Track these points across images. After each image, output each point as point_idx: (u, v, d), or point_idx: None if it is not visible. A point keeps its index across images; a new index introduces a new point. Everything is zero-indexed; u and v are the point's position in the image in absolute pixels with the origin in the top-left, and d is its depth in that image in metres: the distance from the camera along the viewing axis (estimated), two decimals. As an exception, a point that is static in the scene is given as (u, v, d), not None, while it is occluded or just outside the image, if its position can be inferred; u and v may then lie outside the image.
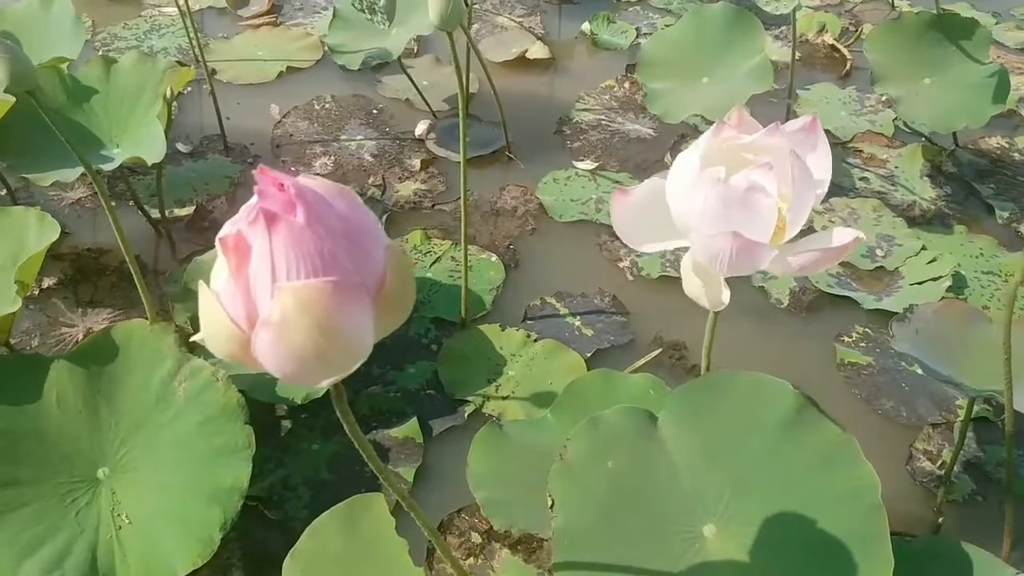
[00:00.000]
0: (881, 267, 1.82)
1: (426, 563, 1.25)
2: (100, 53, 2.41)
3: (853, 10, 2.84)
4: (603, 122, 2.28)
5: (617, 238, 1.83)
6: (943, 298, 1.67)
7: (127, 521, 1.16)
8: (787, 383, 1.02)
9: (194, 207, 1.92)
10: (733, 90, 1.94)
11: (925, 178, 2.08)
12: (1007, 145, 2.21)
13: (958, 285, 1.76)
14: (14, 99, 1.57)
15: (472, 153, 2.08)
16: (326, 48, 2.40)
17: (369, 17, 2.16)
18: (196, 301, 0.58)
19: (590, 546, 0.95)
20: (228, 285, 0.55)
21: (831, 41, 2.62)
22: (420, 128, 2.21)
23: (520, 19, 2.73)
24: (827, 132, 2.18)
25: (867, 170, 2.11)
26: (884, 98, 2.27)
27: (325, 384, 0.58)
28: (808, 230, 0.86)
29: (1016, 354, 1.08)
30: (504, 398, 1.52)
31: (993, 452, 1.46)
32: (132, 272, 1.37)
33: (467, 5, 1.99)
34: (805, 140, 0.84)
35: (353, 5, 2.19)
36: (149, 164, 1.58)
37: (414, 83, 2.25)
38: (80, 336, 1.60)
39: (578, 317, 1.70)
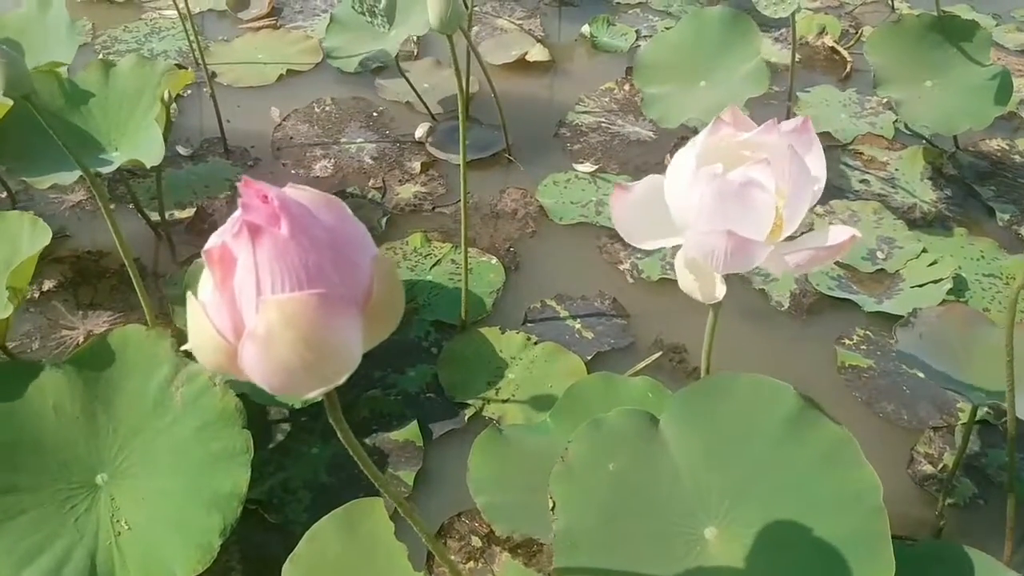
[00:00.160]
0: (882, 269, 1.82)
1: (426, 567, 1.25)
2: (100, 56, 2.42)
3: (853, 12, 2.85)
4: (603, 124, 2.28)
5: (617, 240, 1.86)
6: (944, 301, 1.67)
7: (126, 527, 1.16)
8: (788, 385, 1.01)
9: (194, 210, 1.92)
10: (730, 94, 1.94)
11: (926, 180, 2.08)
12: (1007, 147, 2.21)
13: (959, 288, 1.75)
14: (11, 102, 1.57)
15: (472, 156, 2.08)
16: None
17: (369, 20, 2.16)
18: (192, 307, 0.58)
19: (591, 548, 0.94)
20: (214, 297, 0.55)
21: (831, 43, 2.62)
22: (420, 131, 2.21)
23: (520, 21, 2.73)
24: (827, 134, 2.20)
25: (867, 172, 2.11)
26: (885, 101, 2.27)
27: (314, 395, 0.58)
28: (809, 231, 0.86)
29: (1018, 357, 1.08)
30: (504, 401, 1.52)
31: (995, 455, 1.45)
32: (131, 275, 1.37)
33: (467, 7, 1.99)
34: (798, 141, 0.84)
35: (353, 8, 2.19)
36: (148, 167, 1.58)
37: (413, 87, 2.24)
38: (80, 339, 1.60)
39: (578, 320, 1.70)
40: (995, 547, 1.19)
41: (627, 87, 2.40)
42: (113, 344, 1.30)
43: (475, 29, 2.68)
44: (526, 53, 2.52)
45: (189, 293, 0.56)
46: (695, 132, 2.17)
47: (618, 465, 1.00)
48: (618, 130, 2.26)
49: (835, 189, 2.04)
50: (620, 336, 1.67)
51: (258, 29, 2.65)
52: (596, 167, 2.11)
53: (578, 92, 2.39)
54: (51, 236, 1.41)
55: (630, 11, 2.82)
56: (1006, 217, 1.98)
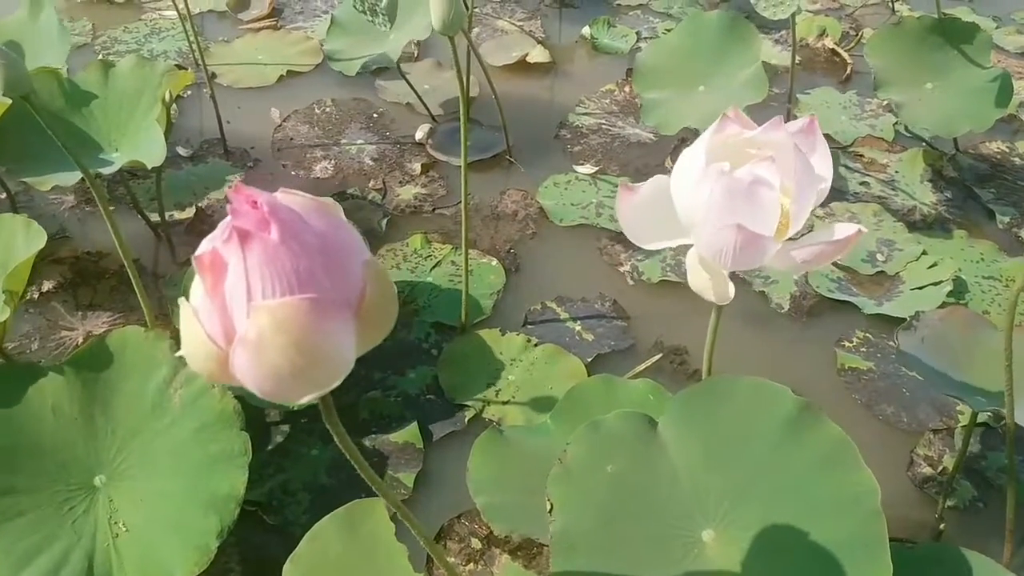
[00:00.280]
0: (881, 272, 1.82)
1: (426, 568, 1.25)
2: (100, 57, 2.42)
3: (853, 14, 2.85)
4: (603, 126, 2.28)
5: (618, 242, 1.86)
6: (944, 304, 1.67)
7: (124, 529, 1.16)
8: (787, 388, 1.01)
9: (194, 211, 1.92)
10: (729, 100, 1.92)
11: (926, 183, 2.08)
12: (1007, 150, 2.21)
13: (959, 290, 1.75)
14: (10, 101, 1.57)
15: (472, 157, 2.08)
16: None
17: (371, 19, 2.15)
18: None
19: (588, 550, 0.94)
20: (205, 303, 0.54)
21: (831, 45, 2.62)
22: (420, 132, 2.21)
23: (520, 23, 2.73)
24: (827, 136, 2.19)
25: (867, 175, 2.11)
26: (886, 103, 2.27)
27: (307, 400, 0.57)
28: (809, 232, 0.86)
29: (1017, 360, 1.07)
30: (504, 403, 1.52)
31: (995, 458, 1.45)
32: (131, 276, 1.37)
33: (467, 9, 1.99)
34: (804, 141, 0.84)
35: (354, 7, 2.18)
36: (148, 168, 1.58)
37: (413, 88, 2.24)
38: (80, 340, 1.60)
39: (578, 322, 1.70)
40: (995, 550, 1.19)
41: (627, 89, 2.40)
42: (112, 345, 1.30)
43: (476, 30, 2.68)
44: (527, 55, 2.52)
45: (182, 299, 0.56)
46: (696, 134, 2.19)
47: (616, 467, 1.00)
48: (618, 132, 2.26)
49: (835, 191, 2.04)
50: (620, 338, 1.67)
51: (258, 30, 2.65)
52: (596, 169, 2.11)
53: (579, 94, 2.39)
54: (47, 239, 1.40)
55: (631, 13, 2.82)
56: (1006, 219, 1.97)
